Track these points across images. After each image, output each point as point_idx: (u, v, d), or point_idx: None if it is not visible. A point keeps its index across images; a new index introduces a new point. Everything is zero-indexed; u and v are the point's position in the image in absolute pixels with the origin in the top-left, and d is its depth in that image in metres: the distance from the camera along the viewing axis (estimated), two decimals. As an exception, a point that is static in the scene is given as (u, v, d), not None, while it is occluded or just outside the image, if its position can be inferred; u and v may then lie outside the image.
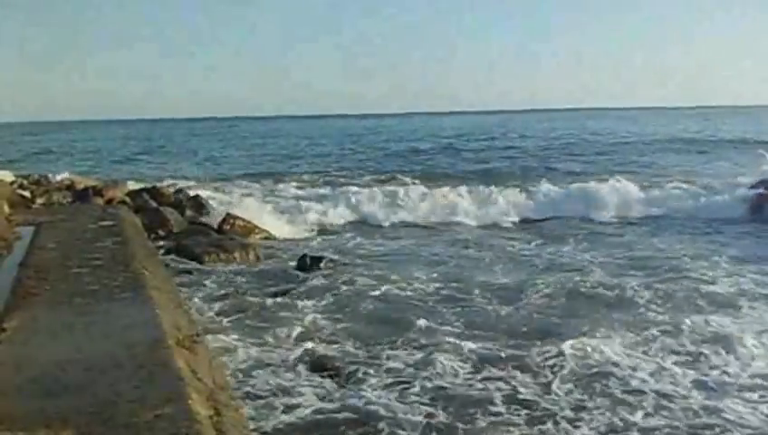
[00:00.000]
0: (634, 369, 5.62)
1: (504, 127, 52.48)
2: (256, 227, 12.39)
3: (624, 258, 10.06)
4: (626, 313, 7.21)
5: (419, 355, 6.02)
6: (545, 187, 16.58)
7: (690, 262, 9.58)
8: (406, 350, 6.19)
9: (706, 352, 5.99)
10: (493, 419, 4.82)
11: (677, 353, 5.98)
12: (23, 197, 10.19)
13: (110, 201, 12.65)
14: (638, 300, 7.66)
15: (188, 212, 13.21)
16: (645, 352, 6.01)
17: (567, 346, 6.06)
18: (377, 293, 8.10)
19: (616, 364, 5.70)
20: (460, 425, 4.72)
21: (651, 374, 5.52)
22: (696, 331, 6.49)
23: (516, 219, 14.26)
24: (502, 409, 4.96)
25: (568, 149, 30.30)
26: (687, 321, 6.74)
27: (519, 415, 4.87)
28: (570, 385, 5.33)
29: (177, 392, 2.67)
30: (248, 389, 5.27)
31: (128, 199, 13.09)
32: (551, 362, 5.79)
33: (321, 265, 9.28)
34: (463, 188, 16.60)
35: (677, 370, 5.61)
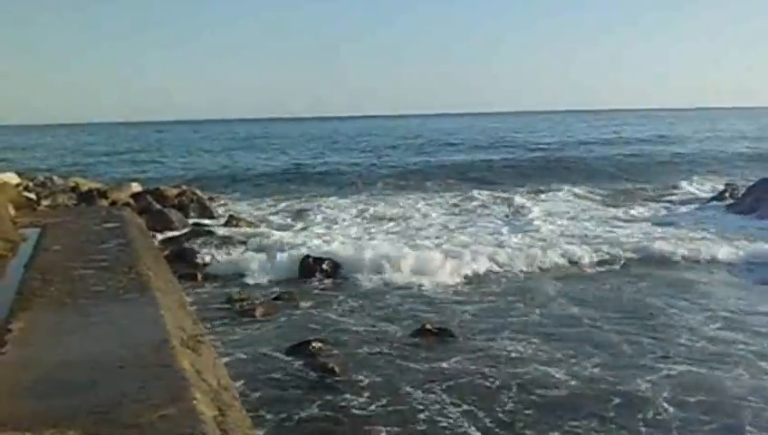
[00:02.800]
0: None
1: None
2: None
3: None
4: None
5: (424, 356, 6.05)
6: None
7: None
8: (408, 350, 6.22)
9: None
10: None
11: None
12: (28, 199, 10.22)
13: (114, 203, 12.71)
14: None
15: (192, 214, 13.29)
16: None
17: None
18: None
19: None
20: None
21: None
22: None
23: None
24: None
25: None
26: None
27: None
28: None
29: (182, 393, 2.69)
30: (247, 388, 5.28)
31: (132, 201, 13.15)
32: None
33: (324, 265, 9.30)
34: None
35: None
